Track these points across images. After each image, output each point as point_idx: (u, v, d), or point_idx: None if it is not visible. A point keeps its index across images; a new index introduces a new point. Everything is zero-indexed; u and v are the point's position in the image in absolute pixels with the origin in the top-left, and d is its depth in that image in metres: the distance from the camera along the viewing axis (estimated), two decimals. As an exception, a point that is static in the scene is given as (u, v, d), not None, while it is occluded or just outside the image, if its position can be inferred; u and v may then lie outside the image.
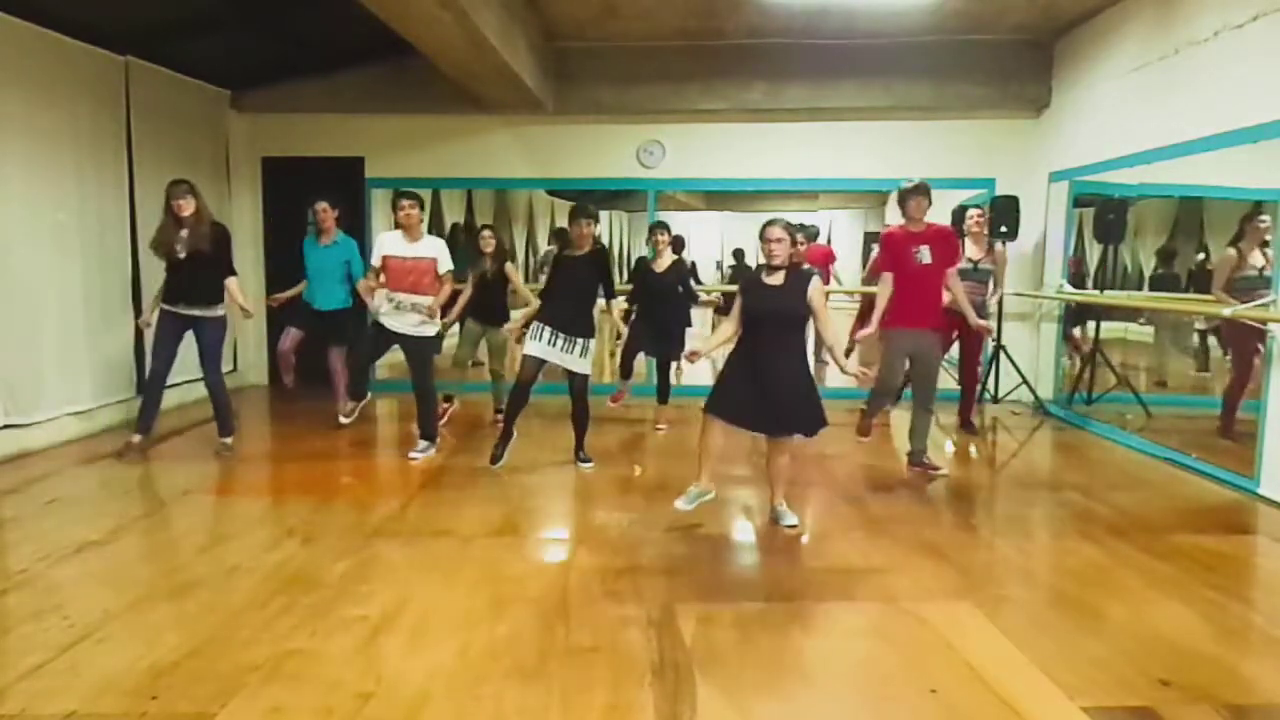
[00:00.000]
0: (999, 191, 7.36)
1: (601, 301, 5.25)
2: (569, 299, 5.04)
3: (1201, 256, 6.28)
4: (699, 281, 7.84)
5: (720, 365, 4.24)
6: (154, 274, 5.66)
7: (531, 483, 4.98)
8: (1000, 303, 7.29)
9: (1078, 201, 7.13)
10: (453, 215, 9.30)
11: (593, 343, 5.09)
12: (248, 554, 3.72)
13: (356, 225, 7.86)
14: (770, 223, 4.03)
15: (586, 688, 2.59)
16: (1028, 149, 7.56)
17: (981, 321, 5.54)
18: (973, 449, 6.08)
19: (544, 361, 4.98)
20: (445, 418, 6.29)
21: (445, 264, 5.35)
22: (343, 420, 6.16)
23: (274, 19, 6.42)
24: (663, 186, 8.25)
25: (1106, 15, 6.55)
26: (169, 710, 2.47)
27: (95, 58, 6.12)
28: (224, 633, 2.94)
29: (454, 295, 5.78)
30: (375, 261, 5.36)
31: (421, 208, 5.35)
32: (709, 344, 4.37)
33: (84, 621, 3.01)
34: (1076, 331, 7.39)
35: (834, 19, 6.77)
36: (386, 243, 5.34)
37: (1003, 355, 7.27)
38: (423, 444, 5.50)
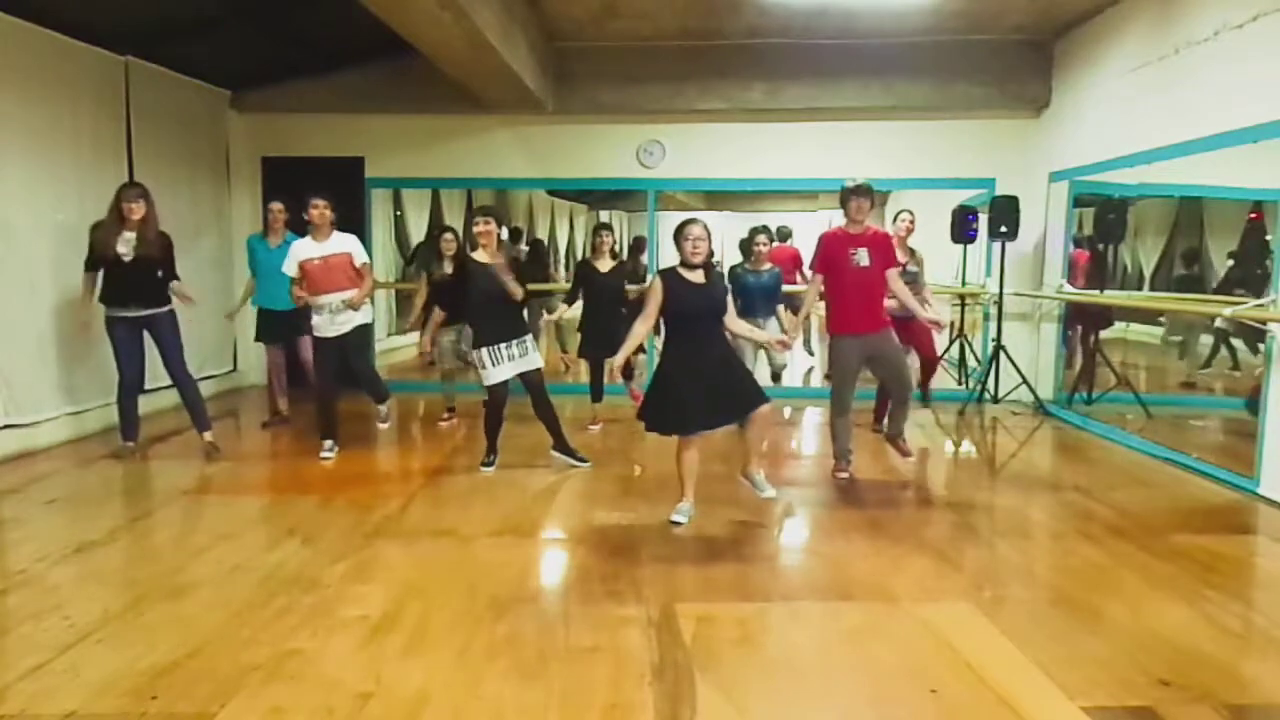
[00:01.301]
0: (999, 191, 7.35)
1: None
2: (495, 311, 5.00)
3: (1231, 263, 6.21)
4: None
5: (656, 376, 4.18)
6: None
7: (531, 483, 4.98)
8: (1000, 302, 7.30)
9: (1078, 201, 7.13)
10: (453, 216, 9.29)
11: (531, 336, 5.18)
12: (248, 554, 3.73)
13: (356, 225, 7.88)
14: (690, 221, 4.11)
15: (586, 688, 2.59)
16: (1028, 149, 7.56)
17: (930, 316, 5.44)
18: (970, 446, 6.07)
19: (507, 380, 5.06)
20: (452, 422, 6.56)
21: (360, 256, 5.42)
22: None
23: (274, 19, 6.42)
24: (663, 186, 8.26)
25: (1106, 15, 6.55)
26: (169, 710, 2.47)
27: (95, 58, 6.12)
28: (224, 633, 2.94)
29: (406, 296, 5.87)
30: (292, 272, 5.27)
31: (333, 210, 5.35)
32: (626, 350, 4.21)
33: (84, 621, 3.01)
34: (1078, 333, 7.37)
35: (834, 19, 6.76)
36: (299, 250, 5.31)
37: (1003, 355, 7.26)
38: (383, 409, 5.93)
